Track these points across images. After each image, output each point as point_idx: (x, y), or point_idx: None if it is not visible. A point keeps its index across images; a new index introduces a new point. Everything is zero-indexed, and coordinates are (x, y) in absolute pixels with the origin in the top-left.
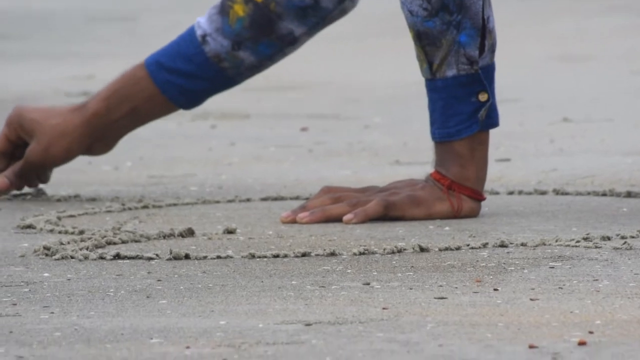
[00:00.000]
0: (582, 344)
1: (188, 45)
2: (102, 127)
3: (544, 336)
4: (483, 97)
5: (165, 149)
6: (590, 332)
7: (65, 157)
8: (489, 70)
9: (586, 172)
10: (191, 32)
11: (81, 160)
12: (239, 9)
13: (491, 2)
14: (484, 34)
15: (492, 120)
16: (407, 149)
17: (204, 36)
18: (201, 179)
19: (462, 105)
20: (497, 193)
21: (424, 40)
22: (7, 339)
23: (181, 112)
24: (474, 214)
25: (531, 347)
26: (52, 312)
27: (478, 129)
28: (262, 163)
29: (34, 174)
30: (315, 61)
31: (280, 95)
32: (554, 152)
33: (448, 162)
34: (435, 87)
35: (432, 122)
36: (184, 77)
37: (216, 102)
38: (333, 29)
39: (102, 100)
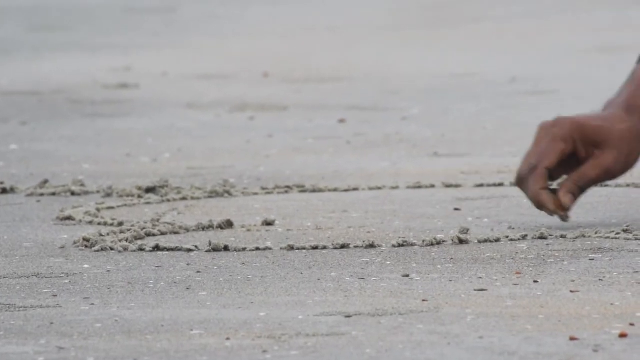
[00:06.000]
0: (623, 336)
1: None
2: None
3: (584, 328)
4: None
5: (204, 141)
6: (631, 324)
7: (637, 161)
8: None
9: None
10: None
11: (119, 152)
12: None
13: None
14: None
15: None
16: (445, 141)
17: None
18: (239, 170)
19: None
20: None
21: None
22: (48, 330)
23: (219, 102)
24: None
25: (572, 339)
26: (93, 304)
27: None
28: (300, 155)
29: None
30: (354, 53)
31: (319, 87)
32: None
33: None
34: None
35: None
36: None
37: (254, 94)
38: (372, 21)
39: None
